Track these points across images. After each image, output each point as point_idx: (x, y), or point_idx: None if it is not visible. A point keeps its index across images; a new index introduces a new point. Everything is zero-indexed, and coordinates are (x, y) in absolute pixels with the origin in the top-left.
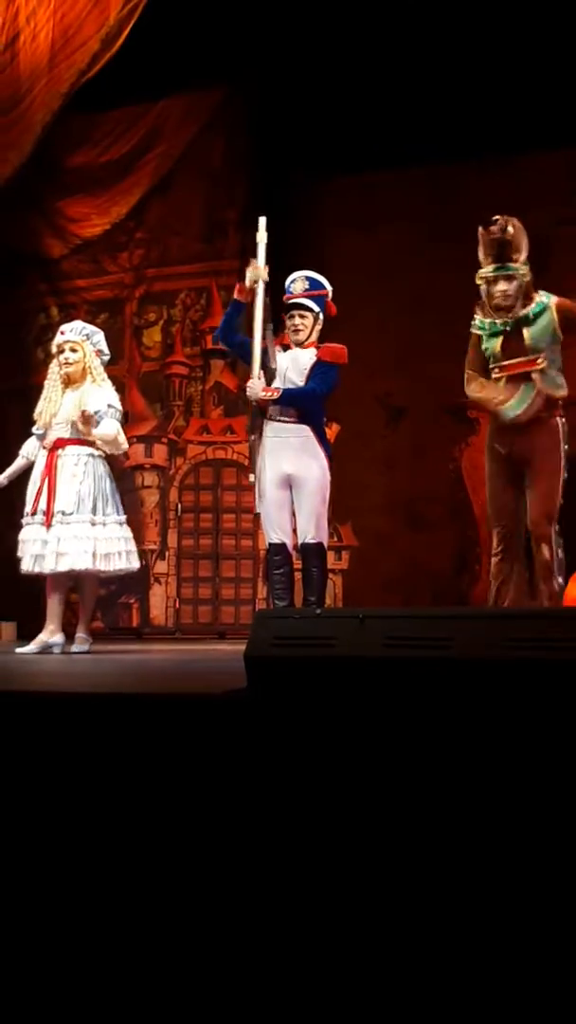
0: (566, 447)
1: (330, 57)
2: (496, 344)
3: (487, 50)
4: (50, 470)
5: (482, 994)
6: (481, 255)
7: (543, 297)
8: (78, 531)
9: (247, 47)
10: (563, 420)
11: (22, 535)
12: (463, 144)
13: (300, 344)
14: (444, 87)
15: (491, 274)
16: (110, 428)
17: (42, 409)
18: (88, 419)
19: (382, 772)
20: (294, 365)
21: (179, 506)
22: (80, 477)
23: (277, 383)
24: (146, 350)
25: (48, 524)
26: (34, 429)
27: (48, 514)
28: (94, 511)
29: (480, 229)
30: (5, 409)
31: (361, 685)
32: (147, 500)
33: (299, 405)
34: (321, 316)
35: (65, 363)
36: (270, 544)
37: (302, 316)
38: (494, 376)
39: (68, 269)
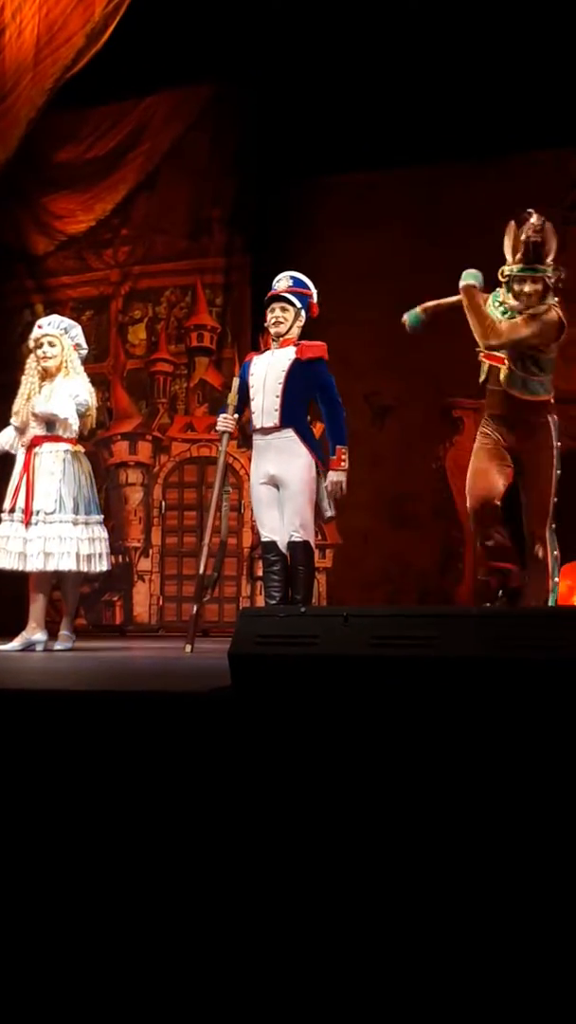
0: (558, 444)
1: (322, 55)
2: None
3: (483, 48)
4: (28, 468)
5: (473, 989)
6: (508, 249)
7: (551, 299)
8: (62, 531)
9: (236, 43)
10: (554, 419)
11: (0, 532)
12: (457, 144)
13: (280, 337)
14: (438, 85)
15: (516, 271)
16: (55, 407)
17: (19, 407)
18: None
19: (366, 770)
20: (272, 370)
21: (163, 504)
22: (59, 475)
23: (256, 391)
24: (131, 347)
25: (27, 522)
26: (12, 421)
27: (27, 512)
28: (76, 511)
29: (512, 224)
30: None
31: (345, 683)
32: (131, 497)
33: (342, 428)
34: (303, 314)
35: (43, 357)
36: (261, 542)
37: (283, 309)
38: (481, 358)
39: (53, 266)
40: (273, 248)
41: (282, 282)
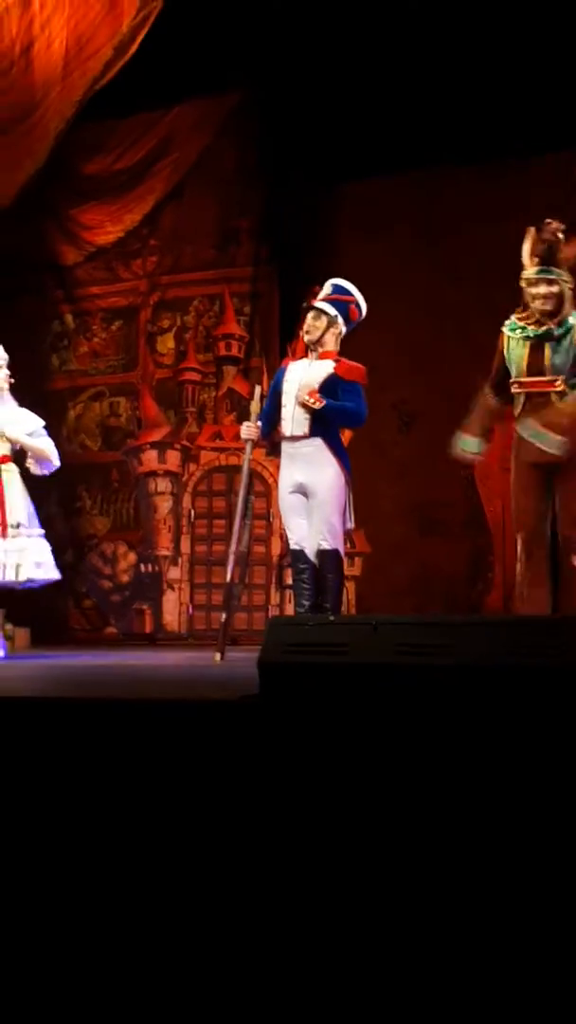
0: None
1: (343, 69)
2: (524, 354)
3: (490, 59)
4: None
5: (481, 986)
6: (526, 256)
7: (572, 318)
8: (35, 544)
9: (259, 54)
10: None
11: None
12: (469, 150)
13: (313, 344)
14: (449, 94)
15: (534, 276)
16: (48, 446)
17: None
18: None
19: (392, 776)
20: (307, 376)
21: (192, 512)
22: (22, 491)
23: (288, 398)
24: (160, 357)
25: (4, 535)
26: None
27: (3, 526)
28: (30, 524)
29: (532, 230)
30: None
31: (373, 691)
32: (160, 506)
33: (342, 421)
34: (339, 321)
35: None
36: (290, 551)
37: (315, 317)
38: (514, 391)
39: (82, 276)
40: (301, 256)
41: (324, 290)
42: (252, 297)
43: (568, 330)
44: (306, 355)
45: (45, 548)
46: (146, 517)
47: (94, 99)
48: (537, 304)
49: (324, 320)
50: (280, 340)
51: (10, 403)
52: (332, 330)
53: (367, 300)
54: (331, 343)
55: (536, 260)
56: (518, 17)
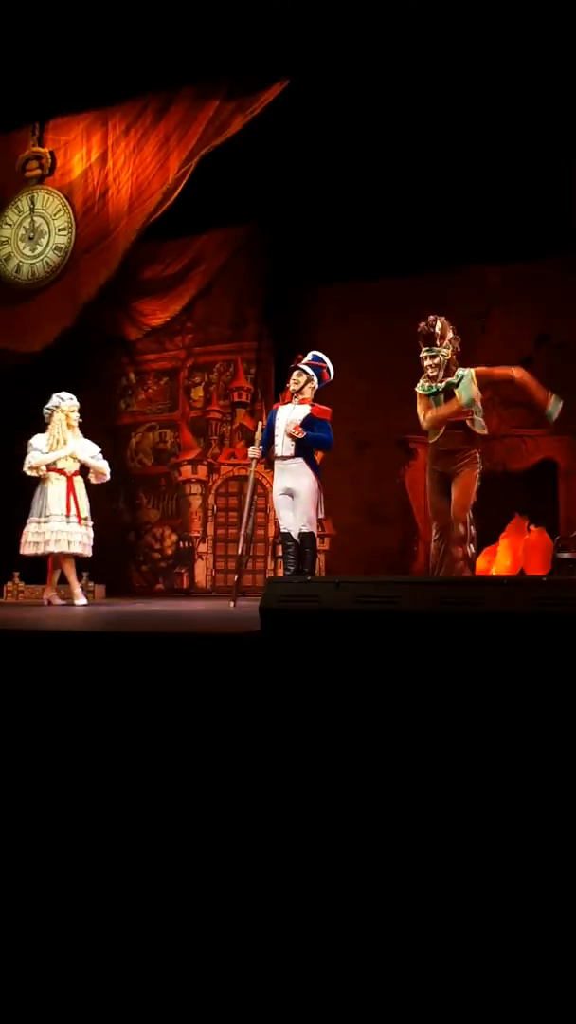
0: (480, 468)
1: (323, 209)
2: (439, 401)
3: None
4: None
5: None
6: (420, 340)
7: (463, 370)
8: (88, 531)
9: (263, 200)
10: (480, 451)
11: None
12: (416, 263)
13: (296, 393)
14: (397, 227)
15: (424, 353)
16: (104, 466)
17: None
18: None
19: (356, 687)
20: (292, 415)
21: (214, 507)
22: (85, 495)
23: (278, 431)
24: (193, 402)
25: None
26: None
27: (78, 517)
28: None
29: (420, 324)
30: (100, 441)
31: (339, 628)
32: (193, 503)
33: (316, 447)
34: (315, 379)
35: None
36: (280, 533)
37: (299, 374)
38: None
39: (141, 347)
40: (290, 335)
41: (307, 356)
42: (256, 362)
43: (462, 378)
44: (291, 400)
45: (91, 535)
46: (183, 510)
47: (150, 227)
48: (428, 371)
49: (304, 377)
50: (274, 391)
51: (79, 435)
52: (309, 384)
53: (337, 367)
54: (308, 393)
55: (422, 342)
56: (446, 171)
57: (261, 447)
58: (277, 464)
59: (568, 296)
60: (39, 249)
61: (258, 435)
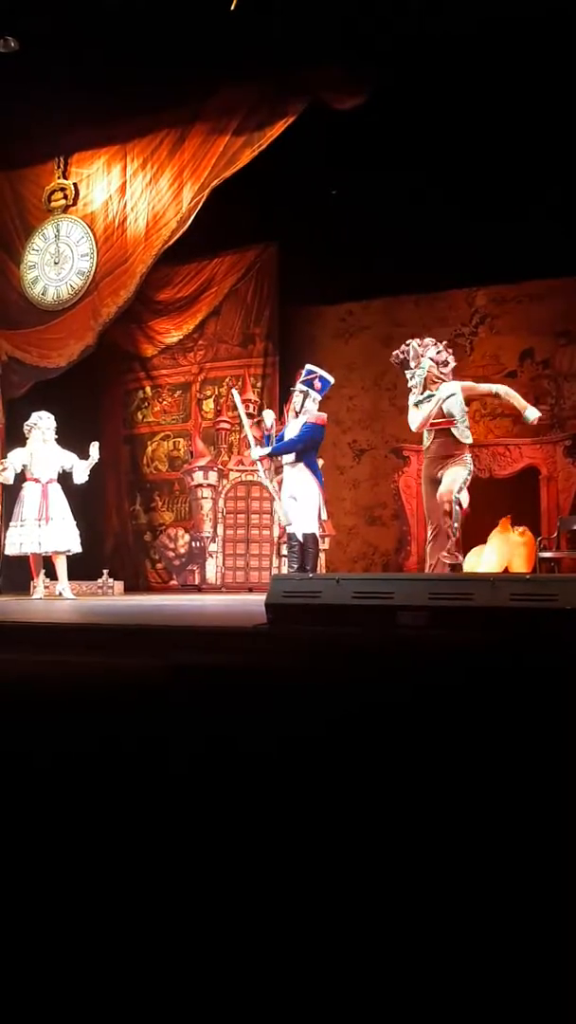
0: (469, 466)
1: (325, 234)
2: (426, 409)
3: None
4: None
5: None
6: (397, 367)
7: (451, 384)
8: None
9: (268, 227)
10: (470, 456)
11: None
12: (405, 285)
13: (298, 413)
14: (394, 253)
15: (406, 375)
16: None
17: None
18: None
19: (352, 674)
20: (292, 427)
21: (223, 509)
22: (62, 498)
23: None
24: (204, 413)
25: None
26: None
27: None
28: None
29: (393, 353)
30: (119, 448)
31: (337, 621)
32: (204, 505)
33: (285, 450)
34: (311, 392)
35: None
36: (286, 534)
37: (296, 394)
38: (426, 431)
39: (156, 363)
40: (294, 351)
41: (302, 372)
42: (263, 377)
43: (451, 390)
44: (296, 418)
45: (71, 533)
46: (195, 512)
47: (164, 253)
48: (413, 389)
49: (300, 396)
50: (279, 403)
51: (56, 447)
52: (307, 399)
53: (339, 382)
54: (311, 406)
55: (399, 367)
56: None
57: (261, 448)
58: (284, 471)
59: (549, 316)
60: (63, 273)
61: (258, 437)
